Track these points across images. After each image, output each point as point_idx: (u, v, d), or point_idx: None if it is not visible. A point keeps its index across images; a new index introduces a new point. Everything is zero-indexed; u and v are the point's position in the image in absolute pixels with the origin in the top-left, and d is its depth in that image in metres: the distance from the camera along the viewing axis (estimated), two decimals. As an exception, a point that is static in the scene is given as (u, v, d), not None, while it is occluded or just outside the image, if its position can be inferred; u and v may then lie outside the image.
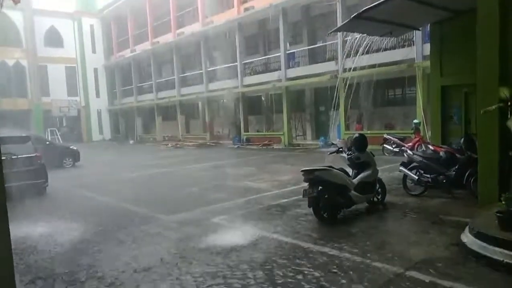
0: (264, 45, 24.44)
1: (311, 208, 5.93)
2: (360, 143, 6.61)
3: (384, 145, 14.24)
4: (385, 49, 15.85)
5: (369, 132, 17.24)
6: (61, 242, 5.57)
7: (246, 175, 11.21)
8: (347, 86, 16.52)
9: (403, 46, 15.76)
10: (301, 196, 6.26)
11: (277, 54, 21.42)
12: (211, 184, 9.89)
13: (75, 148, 16.54)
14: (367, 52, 15.06)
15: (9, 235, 2.35)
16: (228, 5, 24.17)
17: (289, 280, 3.90)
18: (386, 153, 14.01)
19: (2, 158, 8.46)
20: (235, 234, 5.54)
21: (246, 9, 22.15)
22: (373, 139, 15.25)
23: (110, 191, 9.82)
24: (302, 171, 6.06)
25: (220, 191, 8.90)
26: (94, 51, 35.63)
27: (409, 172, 7.31)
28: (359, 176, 6.50)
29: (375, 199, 6.77)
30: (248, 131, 23.19)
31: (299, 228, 5.71)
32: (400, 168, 7.53)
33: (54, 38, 33.62)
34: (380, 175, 6.91)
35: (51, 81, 33.18)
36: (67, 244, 5.50)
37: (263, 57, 23.40)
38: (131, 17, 32.08)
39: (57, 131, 29.71)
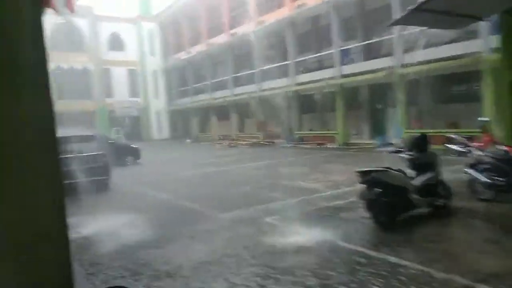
0: (316, 42, 24.01)
1: (368, 211, 5.69)
2: (420, 142, 6.22)
3: (448, 144, 13.36)
4: (447, 43, 14.86)
5: (430, 130, 16.29)
6: (121, 237, 5.84)
7: (299, 174, 11.07)
8: (405, 82, 15.73)
9: (467, 39, 14.67)
10: (356, 198, 6.04)
11: (330, 51, 20.96)
12: (264, 183, 9.89)
13: (136, 146, 17.39)
14: (427, 46, 14.20)
15: (68, 230, 2.46)
16: (279, 3, 24.07)
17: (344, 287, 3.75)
18: (450, 154, 13.13)
19: (70, 155, 9.15)
20: (288, 235, 5.46)
21: (298, 7, 21.92)
22: (434, 138, 14.37)
23: (169, 188, 10.17)
24: (357, 172, 5.82)
25: (273, 190, 8.86)
26: (153, 54, 37.33)
27: (478, 175, 6.75)
28: (420, 178, 6.12)
29: (439, 203, 6.34)
30: (301, 130, 22.96)
31: (354, 231, 5.50)
32: (467, 170, 6.98)
33: (116, 43, 35.68)
34: (443, 177, 6.46)
35: (114, 83, 35.31)
36: (126, 238, 5.75)
37: (316, 55, 23.02)
38: (187, 20, 33.11)
39: (120, 130, 31.49)
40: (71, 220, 6.72)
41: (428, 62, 14.51)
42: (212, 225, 6.17)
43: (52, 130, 2.45)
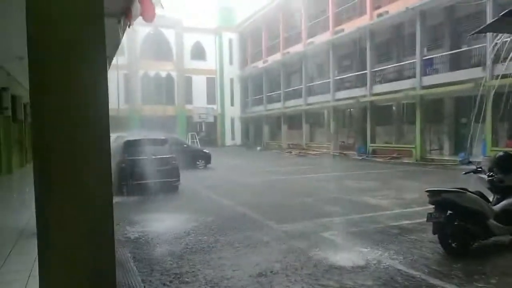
0: (397, 51, 22.85)
1: (436, 234, 5.16)
2: (505, 162, 5.49)
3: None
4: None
5: (524, 150, 14.50)
6: (178, 237, 6.03)
7: (366, 189, 10.54)
8: (496, 95, 14.18)
9: None
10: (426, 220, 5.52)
11: (411, 61, 19.78)
12: (327, 196, 9.57)
13: (207, 151, 18.07)
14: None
15: (113, 232, 2.53)
16: (361, 11, 23.40)
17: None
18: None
19: (144, 157, 9.74)
20: (344, 254, 5.16)
21: (379, 15, 21.10)
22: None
23: (231, 194, 10.35)
24: (427, 191, 5.33)
25: (336, 204, 8.52)
26: (231, 63, 38.72)
27: None
28: (502, 203, 5.40)
29: (525, 233, 5.54)
30: (375, 142, 21.95)
31: (419, 256, 5.01)
32: None
33: (198, 52, 37.67)
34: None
35: (194, 90, 37.29)
36: (183, 240, 5.92)
37: (395, 64, 21.90)
38: (265, 29, 33.78)
39: (196, 135, 33.02)
40: (134, 217, 7.13)
41: (525, 73, 12.95)
42: (267, 236, 6.09)
43: (106, 132, 2.58)
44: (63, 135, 2.27)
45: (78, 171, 2.32)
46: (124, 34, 6.88)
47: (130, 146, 10.41)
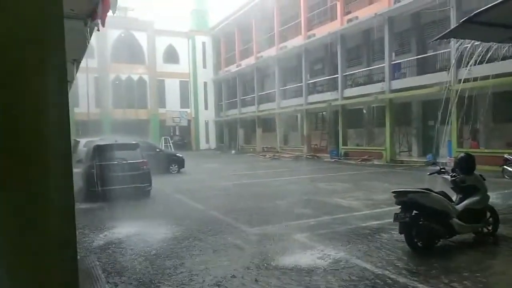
0: (367, 55, 23.43)
1: (402, 234, 5.32)
2: (466, 163, 5.73)
3: (505, 166, 12.30)
4: (510, 57, 13.81)
5: (486, 150, 15.18)
6: (147, 244, 5.93)
7: (338, 191, 10.72)
8: (461, 99, 14.79)
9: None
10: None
11: (381, 65, 20.32)
12: (300, 199, 9.66)
13: (180, 155, 17.87)
14: (486, 61, 13.29)
15: (75, 239, 2.46)
16: (331, 17, 23.87)
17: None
18: (506, 176, 12.09)
19: (114, 162, 9.55)
20: (315, 255, 5.23)
21: (349, 20, 21.58)
22: (491, 159, 13.38)
23: (204, 198, 10.28)
24: (393, 192, 5.49)
25: (308, 206, 8.63)
26: (204, 66, 38.53)
27: (531, 201, 6.11)
28: (464, 202, 5.63)
29: (485, 230, 5.79)
30: (346, 145, 22.37)
31: (387, 256, 5.14)
32: (520, 195, 6.34)
33: (171, 55, 37.27)
34: (496, 201, 5.90)
35: (167, 94, 36.82)
36: (151, 246, 5.83)
37: (365, 69, 22.45)
38: (239, 33, 33.84)
39: (169, 139, 32.60)
40: (102, 224, 6.97)
41: (487, 77, 13.55)
42: (238, 239, 6.09)
43: (66, 136, 2.52)
44: (20, 140, 2.20)
45: (37, 177, 2.25)
46: (94, 37, 6.74)
47: (100, 151, 10.17)
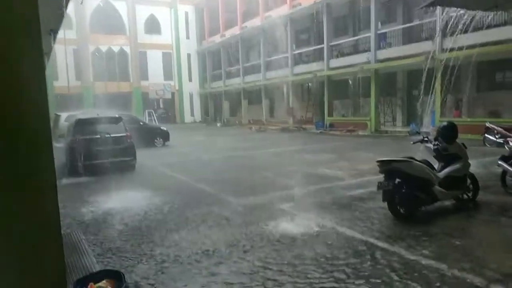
0: (353, 25, 23.20)
1: (386, 202, 5.43)
2: (448, 132, 5.81)
3: (486, 135, 12.57)
4: (494, 26, 13.84)
5: (469, 119, 15.46)
6: (133, 217, 5.93)
7: (323, 161, 10.83)
8: (445, 68, 14.86)
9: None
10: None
11: (366, 35, 20.17)
12: (286, 170, 9.73)
13: (165, 129, 17.68)
14: (471, 30, 13.29)
15: (59, 213, 2.43)
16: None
17: (351, 281, 3.58)
18: (487, 144, 12.38)
19: (97, 136, 9.39)
20: (301, 224, 5.31)
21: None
22: (473, 128, 13.63)
23: (190, 171, 10.27)
24: (377, 161, 5.56)
25: (294, 177, 8.70)
26: (188, 37, 37.62)
27: (509, 168, 6.27)
28: (445, 170, 5.76)
29: (465, 196, 5.96)
30: (332, 116, 22.47)
31: (371, 223, 5.26)
32: (499, 162, 6.49)
33: (153, 26, 36.18)
34: (476, 169, 6.05)
35: (149, 66, 35.97)
36: (137, 219, 5.83)
37: (351, 38, 22.26)
38: (222, 3, 32.93)
39: (153, 112, 32.15)
40: (87, 198, 6.91)
41: (472, 47, 13.59)
42: (225, 210, 6.14)
43: (44, 111, 2.42)
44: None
45: (16, 153, 2.17)
46: (71, 7, 6.44)
47: (82, 125, 9.95)
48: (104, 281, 2.47)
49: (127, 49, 34.81)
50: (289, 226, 5.25)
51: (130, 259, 4.29)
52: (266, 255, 4.25)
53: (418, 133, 6.55)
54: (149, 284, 3.64)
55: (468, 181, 5.89)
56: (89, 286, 2.42)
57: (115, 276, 2.53)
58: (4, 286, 2.11)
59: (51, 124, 9.86)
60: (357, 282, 3.54)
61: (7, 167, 2.14)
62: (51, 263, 2.28)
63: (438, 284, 3.42)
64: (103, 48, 33.68)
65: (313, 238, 4.74)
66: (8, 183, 2.15)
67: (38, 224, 2.30)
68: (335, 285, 3.51)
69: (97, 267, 4.01)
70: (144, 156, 11.81)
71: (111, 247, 4.70)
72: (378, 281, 3.53)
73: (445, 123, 6.04)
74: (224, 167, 10.91)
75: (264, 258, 4.17)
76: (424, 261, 3.90)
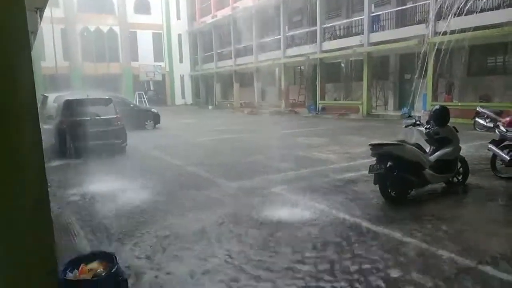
0: (346, 7, 22.93)
1: (377, 185, 5.46)
2: (440, 116, 5.83)
3: (476, 119, 12.68)
4: (488, 9, 13.79)
5: (459, 103, 15.54)
6: (124, 199, 5.89)
7: (315, 145, 10.83)
8: (437, 52, 14.83)
9: (508, 6, 13.53)
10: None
11: (360, 17, 19.97)
12: (278, 153, 9.71)
13: (155, 111, 17.49)
14: (465, 13, 13.21)
15: (48, 194, 2.38)
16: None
17: (343, 262, 3.61)
18: (477, 128, 12.50)
19: (87, 118, 9.23)
20: (293, 207, 5.33)
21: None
22: (464, 112, 13.72)
23: (182, 154, 10.20)
24: (370, 144, 5.57)
25: (286, 160, 8.70)
26: (179, 18, 36.90)
27: (499, 152, 6.34)
28: (437, 153, 5.80)
29: (455, 179, 6.03)
30: (324, 99, 22.41)
31: (363, 206, 5.29)
32: (489, 146, 6.56)
33: (143, 5, 35.37)
34: (466, 152, 6.10)
35: (139, 46, 35.32)
36: (128, 201, 5.79)
37: (344, 21, 22.03)
38: (213, -18, 32.26)
39: (144, 94, 31.74)
40: (77, 180, 6.80)
41: (465, 30, 13.54)
42: (216, 193, 6.12)
43: (30, 90, 2.34)
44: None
45: (3, 135, 2.11)
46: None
47: (71, 106, 9.76)
48: (95, 262, 2.44)
49: (116, 29, 34.07)
50: (281, 209, 5.26)
51: (121, 240, 4.27)
52: (254, 239, 4.26)
53: (410, 117, 6.55)
54: (146, 257, 3.63)
55: (459, 164, 5.95)
56: (80, 267, 2.39)
57: (107, 258, 2.50)
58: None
59: (39, 105, 9.65)
60: (345, 261, 3.56)
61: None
62: (40, 244, 2.25)
63: (426, 264, 3.47)
64: (92, 28, 32.92)
65: (306, 221, 4.75)
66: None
67: (27, 204, 2.26)
68: (331, 262, 3.53)
69: (88, 249, 3.99)
70: (134, 139, 11.69)
71: (101, 230, 4.66)
72: (366, 260, 3.57)
73: (437, 107, 6.06)
74: (216, 150, 10.87)
75: (253, 241, 4.18)
76: (413, 242, 3.94)
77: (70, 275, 2.32)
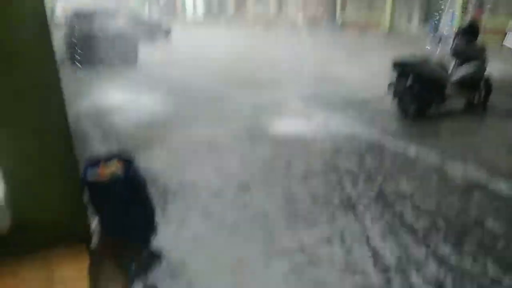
0: None
1: (395, 99, 5.33)
2: (469, 31, 5.45)
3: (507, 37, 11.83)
4: None
5: (491, 20, 14.42)
6: (139, 111, 5.93)
7: (333, 61, 10.45)
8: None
9: None
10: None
11: None
12: (294, 70, 9.41)
13: (167, 26, 16.82)
14: None
15: (64, 102, 2.37)
16: None
17: (353, 173, 3.66)
18: (506, 44, 11.72)
19: (97, 30, 8.83)
20: (307, 121, 5.33)
21: None
22: (496, 30, 12.76)
23: (196, 67, 10.03)
24: (392, 60, 5.34)
25: (301, 76, 8.46)
26: None
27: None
28: (461, 70, 5.53)
29: (477, 98, 5.81)
30: (345, 14, 21.07)
31: (378, 122, 5.24)
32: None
33: None
34: (492, 71, 5.81)
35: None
36: (144, 113, 5.83)
37: None
38: None
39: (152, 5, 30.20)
40: (92, 93, 6.78)
41: None
42: (234, 107, 6.11)
43: (45, 30, 2.19)
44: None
45: (15, 53, 2.04)
46: None
47: (80, 17, 9.38)
48: (114, 162, 2.48)
49: None
50: (295, 122, 5.27)
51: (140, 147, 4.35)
52: (269, 151, 4.32)
53: (436, 31, 6.14)
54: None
55: (482, 83, 5.70)
56: (99, 165, 2.44)
57: (126, 159, 2.54)
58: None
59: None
60: (361, 175, 3.61)
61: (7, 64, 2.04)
62: (58, 141, 2.29)
63: (441, 178, 3.50)
64: None
65: (318, 135, 4.77)
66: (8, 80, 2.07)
67: (45, 113, 2.28)
68: (341, 174, 3.59)
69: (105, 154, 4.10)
70: (145, 53, 11.40)
71: (118, 139, 4.75)
72: (379, 173, 3.62)
73: (466, 22, 5.64)
74: (232, 65, 10.56)
75: (268, 153, 4.24)
76: (428, 157, 3.95)
77: (90, 174, 2.37)
